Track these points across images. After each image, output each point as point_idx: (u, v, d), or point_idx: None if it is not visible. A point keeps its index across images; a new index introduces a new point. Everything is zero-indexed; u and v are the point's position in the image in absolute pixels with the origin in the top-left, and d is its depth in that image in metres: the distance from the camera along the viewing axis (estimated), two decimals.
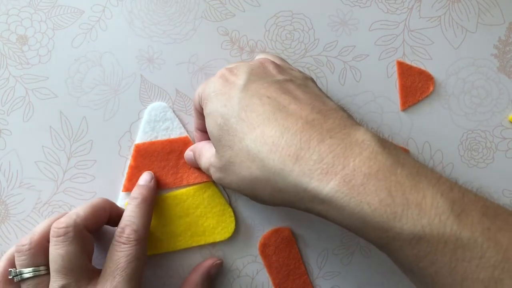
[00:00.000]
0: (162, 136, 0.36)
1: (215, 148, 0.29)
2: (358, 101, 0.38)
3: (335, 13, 0.38)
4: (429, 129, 0.38)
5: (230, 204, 0.37)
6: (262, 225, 0.37)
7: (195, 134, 0.36)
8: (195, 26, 0.37)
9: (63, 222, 0.30)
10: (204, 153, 0.33)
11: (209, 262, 0.36)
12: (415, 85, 0.37)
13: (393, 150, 0.25)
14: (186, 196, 0.36)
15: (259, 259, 0.37)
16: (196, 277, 0.35)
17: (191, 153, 0.35)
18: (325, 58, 0.38)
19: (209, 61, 0.37)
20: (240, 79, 0.28)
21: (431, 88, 0.38)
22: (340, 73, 0.38)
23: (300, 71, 0.32)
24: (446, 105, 0.38)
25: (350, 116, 0.27)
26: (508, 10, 0.38)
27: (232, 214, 0.36)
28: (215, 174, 0.30)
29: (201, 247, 0.37)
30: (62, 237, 0.30)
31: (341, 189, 0.23)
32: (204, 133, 0.35)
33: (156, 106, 0.37)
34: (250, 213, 0.37)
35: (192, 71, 0.37)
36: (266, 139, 0.25)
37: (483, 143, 0.38)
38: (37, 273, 0.30)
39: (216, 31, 0.37)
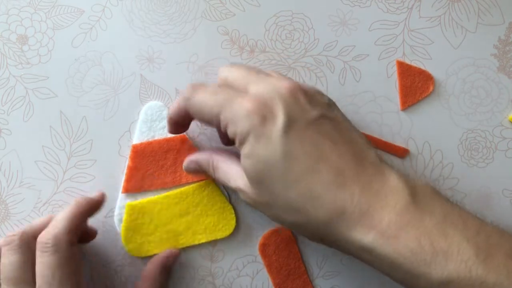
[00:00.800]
0: (159, 135, 0.36)
1: (250, 184, 0.29)
2: (358, 101, 0.38)
3: (335, 13, 0.38)
4: (429, 129, 0.38)
5: (231, 203, 0.37)
6: (262, 225, 0.37)
7: (168, 124, 0.33)
8: (195, 25, 0.37)
9: (15, 231, 0.31)
10: (226, 170, 0.31)
11: (166, 253, 0.35)
12: (415, 85, 0.38)
13: (423, 197, 0.27)
14: (186, 195, 0.36)
15: (259, 259, 0.37)
16: (153, 268, 0.34)
17: (194, 164, 0.34)
18: (325, 58, 0.38)
19: (209, 60, 0.37)
20: (279, 118, 0.27)
21: (431, 88, 0.38)
22: (340, 73, 0.38)
23: (321, 94, 0.31)
24: (446, 105, 0.38)
25: (379, 156, 0.29)
26: (508, 10, 0.38)
27: (232, 211, 0.36)
28: (246, 200, 0.30)
29: (201, 247, 0.37)
30: (7, 246, 0.30)
31: (378, 241, 0.25)
32: (177, 126, 0.33)
33: (152, 106, 0.37)
34: (250, 213, 0.37)
35: (192, 71, 0.37)
36: (312, 193, 0.27)
37: (483, 143, 0.38)
38: None
39: (216, 30, 0.38)
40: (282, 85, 0.28)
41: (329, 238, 0.27)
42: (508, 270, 0.24)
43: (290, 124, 0.27)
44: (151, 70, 0.37)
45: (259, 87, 0.29)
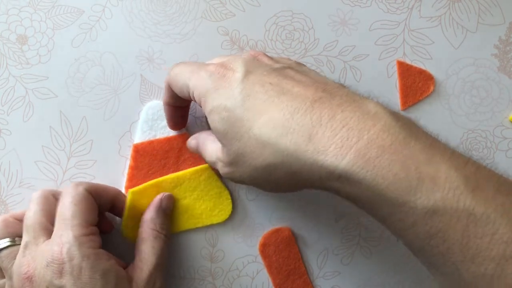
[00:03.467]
0: (161, 134, 0.36)
1: (221, 143, 0.29)
2: None
3: (335, 13, 0.38)
4: (429, 129, 0.37)
5: (231, 203, 0.37)
6: (262, 225, 0.37)
7: (164, 107, 0.35)
8: (195, 26, 0.37)
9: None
10: (209, 145, 0.32)
11: (158, 197, 0.35)
12: (415, 85, 0.37)
13: (407, 123, 0.24)
14: (183, 180, 0.36)
15: (259, 259, 0.37)
16: (150, 213, 0.34)
17: (194, 141, 0.34)
18: (325, 58, 0.38)
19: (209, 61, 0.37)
20: (238, 71, 0.28)
21: (431, 88, 0.38)
22: (340, 73, 0.38)
23: (289, 59, 0.31)
24: (446, 105, 0.38)
25: (355, 92, 0.27)
26: (508, 10, 0.38)
27: (229, 196, 0.36)
28: (223, 169, 0.29)
29: (201, 246, 0.37)
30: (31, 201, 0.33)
31: (357, 163, 0.23)
32: (171, 108, 0.34)
33: (153, 105, 0.37)
34: (250, 213, 0.37)
35: None
36: (276, 122, 0.25)
37: (483, 143, 0.38)
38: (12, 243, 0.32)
39: (216, 31, 0.37)
40: (246, 52, 0.30)
41: (304, 171, 0.25)
42: (497, 203, 0.21)
43: (248, 73, 0.27)
44: (151, 70, 0.37)
45: (225, 58, 0.31)
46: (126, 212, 0.35)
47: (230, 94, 0.27)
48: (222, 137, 0.28)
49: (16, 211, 0.35)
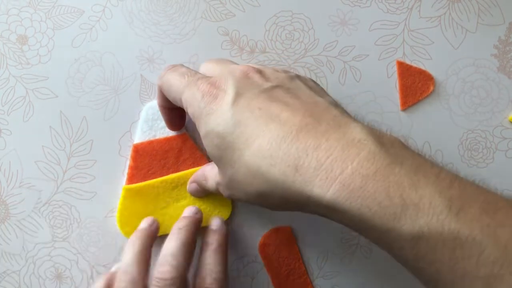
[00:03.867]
0: (161, 134, 0.37)
1: (217, 167, 0.30)
2: (358, 101, 0.38)
3: (335, 13, 0.38)
4: (429, 129, 0.38)
5: (231, 203, 0.37)
6: (262, 225, 0.37)
7: (160, 109, 0.35)
8: (195, 26, 0.37)
9: (167, 272, 0.30)
10: (209, 175, 0.33)
11: (222, 227, 0.35)
12: (415, 85, 0.38)
13: (391, 147, 0.25)
14: (184, 180, 0.36)
15: (259, 259, 0.37)
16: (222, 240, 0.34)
17: (194, 184, 0.35)
18: (325, 58, 0.38)
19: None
20: (228, 93, 0.28)
21: (431, 88, 0.38)
22: (340, 73, 0.38)
23: (285, 71, 0.31)
24: (446, 105, 0.38)
25: (343, 113, 0.27)
26: (508, 10, 0.38)
27: None
28: (224, 192, 0.30)
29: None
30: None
31: (342, 194, 0.24)
32: (167, 109, 0.35)
33: (153, 105, 0.37)
34: (250, 212, 0.37)
35: None
36: (264, 153, 0.26)
37: (483, 143, 0.38)
38: None
39: (216, 31, 0.38)
40: (237, 68, 0.30)
41: (294, 200, 0.26)
42: (482, 224, 0.22)
43: (239, 97, 0.27)
44: (151, 70, 0.37)
45: (216, 72, 0.31)
46: (119, 207, 0.36)
47: (221, 120, 0.27)
48: (217, 162, 0.29)
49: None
